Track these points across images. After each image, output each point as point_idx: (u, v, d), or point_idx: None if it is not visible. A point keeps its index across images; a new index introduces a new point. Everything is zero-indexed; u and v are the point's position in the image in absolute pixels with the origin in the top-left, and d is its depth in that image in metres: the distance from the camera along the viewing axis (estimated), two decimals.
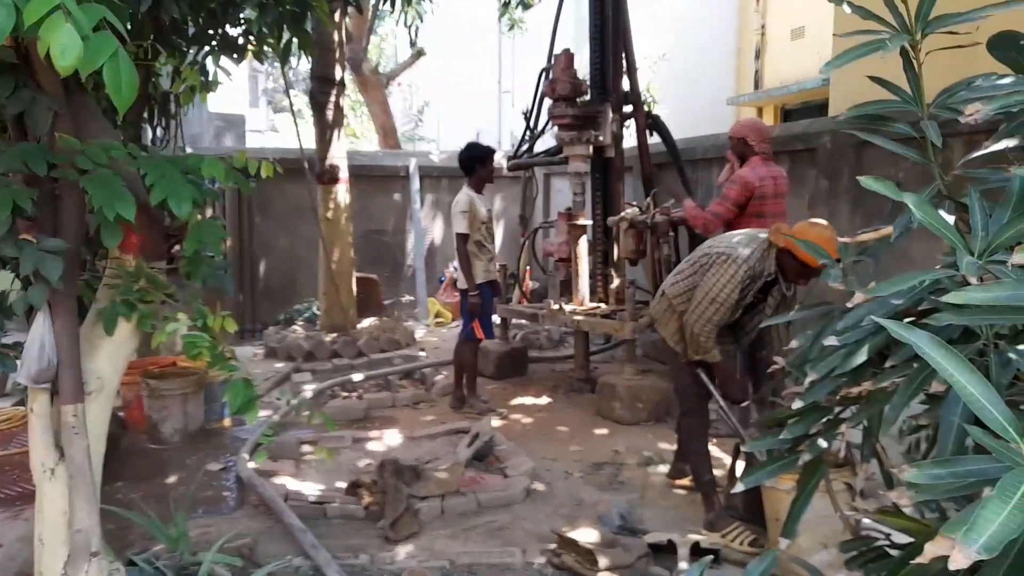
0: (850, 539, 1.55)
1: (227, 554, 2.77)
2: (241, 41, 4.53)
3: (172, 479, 4.11)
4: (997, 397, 0.84)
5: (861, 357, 1.39)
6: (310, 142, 6.96)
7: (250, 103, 25.71)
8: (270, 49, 4.66)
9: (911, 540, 1.28)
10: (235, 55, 4.56)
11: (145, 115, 4.92)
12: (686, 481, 3.75)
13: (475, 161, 5.12)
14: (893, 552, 1.39)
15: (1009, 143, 1.32)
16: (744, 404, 3.42)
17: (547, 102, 5.76)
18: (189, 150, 6.94)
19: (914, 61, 1.45)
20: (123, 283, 2.36)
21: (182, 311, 2.51)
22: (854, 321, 1.42)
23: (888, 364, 1.38)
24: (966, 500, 1.21)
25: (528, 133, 6.42)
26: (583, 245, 5.69)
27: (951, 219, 1.27)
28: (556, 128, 5.59)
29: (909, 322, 1.35)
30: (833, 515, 1.81)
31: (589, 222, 5.75)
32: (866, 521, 1.78)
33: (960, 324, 1.09)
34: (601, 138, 5.52)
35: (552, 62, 5.77)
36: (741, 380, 3.63)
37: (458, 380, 5.30)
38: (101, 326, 2.35)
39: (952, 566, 0.68)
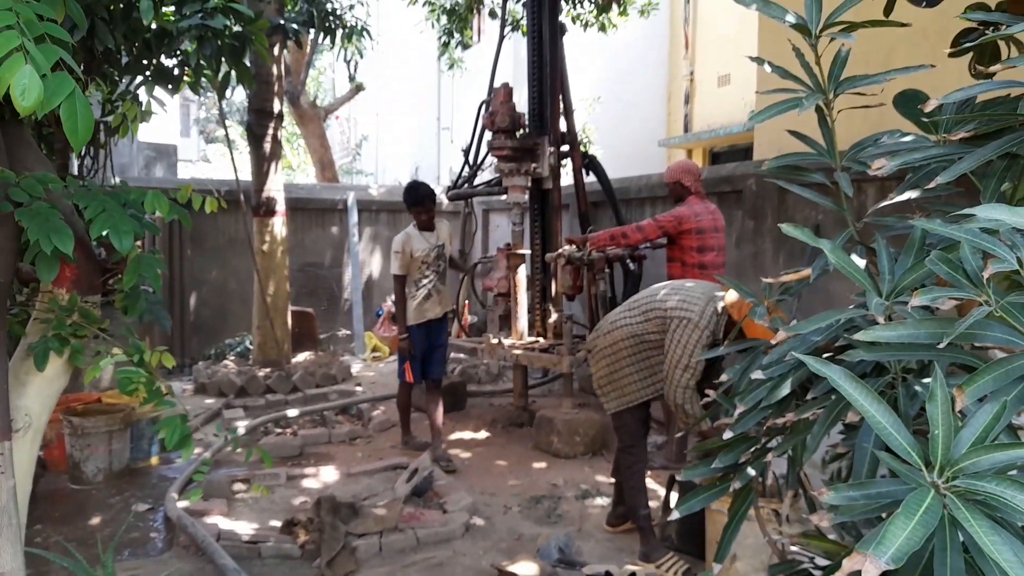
0: (777, 563, 1.64)
1: None
2: (176, 72, 4.49)
3: (95, 521, 3.94)
4: (902, 425, 0.93)
5: (785, 390, 1.49)
6: (245, 174, 6.89)
7: (181, 132, 25.19)
8: (206, 81, 4.61)
9: (832, 562, 1.37)
10: (170, 86, 4.51)
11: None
12: (627, 526, 3.74)
13: (406, 203, 5.07)
14: (816, 573, 1.48)
15: (912, 195, 1.46)
16: (680, 435, 3.50)
17: (487, 135, 5.87)
18: (117, 180, 6.77)
19: (828, 118, 1.59)
20: (55, 317, 2.30)
21: (115, 345, 2.46)
22: (778, 356, 1.53)
23: (809, 396, 1.48)
24: (880, 522, 1.31)
25: (468, 166, 6.53)
26: (522, 276, 5.77)
27: (862, 263, 1.39)
28: (496, 160, 5.71)
29: (827, 357, 1.47)
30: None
31: (527, 251, 5.85)
32: (794, 548, 1.88)
33: (871, 360, 1.20)
34: (539, 170, 5.65)
35: (491, 95, 5.92)
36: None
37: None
38: (30, 362, 2.29)
39: None
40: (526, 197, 5.74)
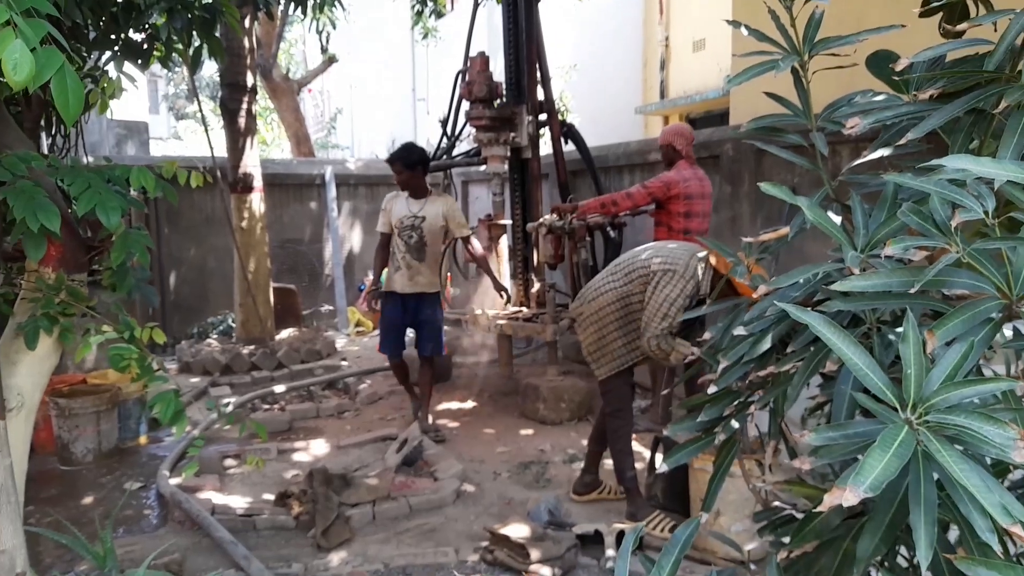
0: (761, 510, 1.71)
1: (156, 570, 2.72)
2: (146, 46, 4.40)
3: (88, 500, 3.96)
4: (878, 367, 0.99)
5: (766, 344, 1.55)
6: (220, 150, 6.80)
7: (150, 109, 24.70)
8: (177, 55, 4.53)
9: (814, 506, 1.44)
10: (139, 60, 4.43)
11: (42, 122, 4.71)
12: (593, 495, 3.81)
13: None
14: (799, 517, 1.55)
15: (884, 152, 1.51)
16: (666, 392, 3.58)
17: (464, 105, 5.84)
18: (90, 159, 6.67)
19: (803, 79, 1.63)
20: (43, 296, 2.31)
21: (104, 323, 2.46)
22: (759, 312, 1.58)
23: (789, 350, 1.54)
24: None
25: (445, 137, 6.51)
26: (503, 246, 5.80)
27: (838, 219, 1.44)
28: (474, 130, 5.70)
29: None
30: (753, 499, 1.98)
31: (508, 222, 5.87)
32: (776, 497, 1.96)
33: (847, 309, 1.26)
34: (518, 139, 5.65)
35: (468, 65, 5.89)
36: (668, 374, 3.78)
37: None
38: (20, 341, 2.29)
39: (845, 503, 0.82)
40: (505, 167, 5.75)
